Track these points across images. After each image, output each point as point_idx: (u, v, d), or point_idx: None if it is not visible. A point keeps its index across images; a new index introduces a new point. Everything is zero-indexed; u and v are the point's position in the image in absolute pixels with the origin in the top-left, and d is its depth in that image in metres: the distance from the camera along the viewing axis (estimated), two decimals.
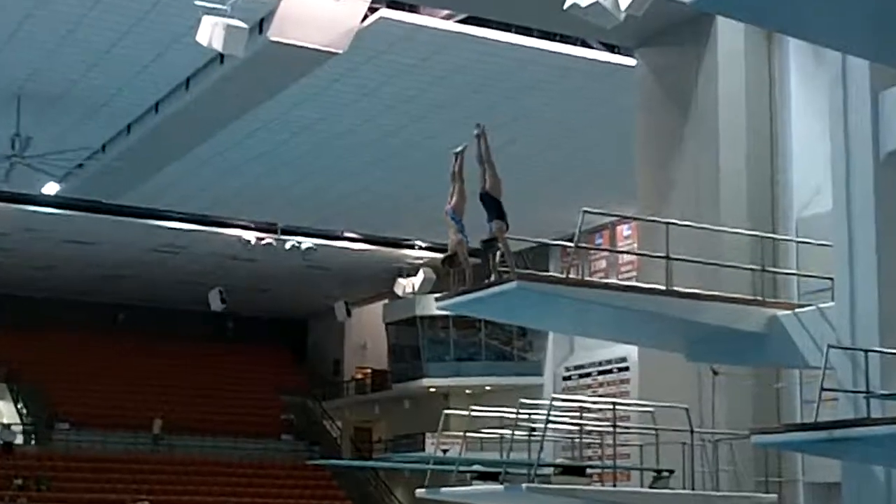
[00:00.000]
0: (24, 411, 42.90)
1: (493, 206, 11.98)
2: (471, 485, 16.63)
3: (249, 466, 42.77)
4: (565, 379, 36.31)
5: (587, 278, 12.37)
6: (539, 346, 38.20)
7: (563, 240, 19.16)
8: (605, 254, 34.16)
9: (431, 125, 26.10)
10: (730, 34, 17.38)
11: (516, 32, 22.56)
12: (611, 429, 15.95)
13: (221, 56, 21.66)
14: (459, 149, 12.37)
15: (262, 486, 41.27)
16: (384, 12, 21.87)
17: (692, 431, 15.36)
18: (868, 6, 8.15)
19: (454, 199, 12.27)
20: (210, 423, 43.76)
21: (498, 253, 12.20)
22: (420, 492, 16.65)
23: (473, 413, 17.19)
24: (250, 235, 37.02)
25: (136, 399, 43.46)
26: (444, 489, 16.12)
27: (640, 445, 17.15)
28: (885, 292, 11.52)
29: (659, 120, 18.59)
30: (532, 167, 28.65)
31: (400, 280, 40.60)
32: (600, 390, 33.98)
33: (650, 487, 15.97)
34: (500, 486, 15.28)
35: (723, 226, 15.35)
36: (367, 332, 46.88)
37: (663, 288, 12.23)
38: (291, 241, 37.26)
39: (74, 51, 23.08)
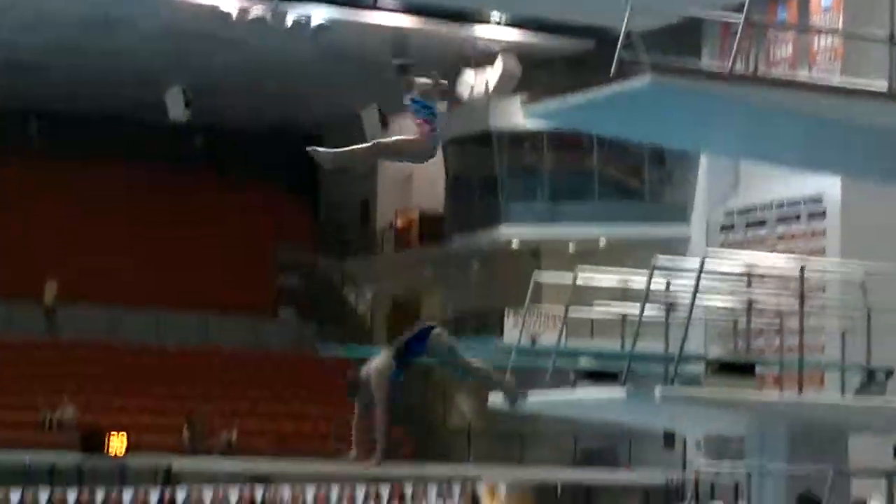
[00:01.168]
0: None
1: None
2: (574, 388, 16.97)
3: (231, 356, 43.61)
4: (725, 229, 36.52)
5: (762, 72, 12.24)
6: (684, 179, 38.34)
7: (725, 10, 19.09)
8: (792, 35, 33.96)
9: None
10: None
11: None
12: (796, 305, 16.13)
13: None
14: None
15: (249, 384, 42.20)
16: None
17: None
18: None
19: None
20: (169, 292, 44.56)
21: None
22: (494, 400, 16.34)
23: (580, 280, 17.46)
24: (231, 3, 37.12)
25: (58, 252, 44.21)
26: (533, 396, 15.72)
27: (842, 333, 17.34)
28: None
29: None
30: None
31: (466, 73, 40.59)
32: (780, 245, 34.15)
33: (856, 394, 16.21)
34: (622, 391, 15.58)
35: None
36: None
37: (884, 88, 12.26)
38: (295, 11, 37.36)
39: None
